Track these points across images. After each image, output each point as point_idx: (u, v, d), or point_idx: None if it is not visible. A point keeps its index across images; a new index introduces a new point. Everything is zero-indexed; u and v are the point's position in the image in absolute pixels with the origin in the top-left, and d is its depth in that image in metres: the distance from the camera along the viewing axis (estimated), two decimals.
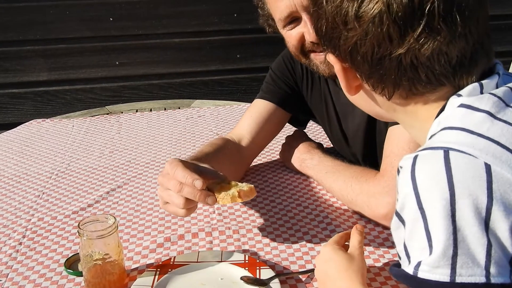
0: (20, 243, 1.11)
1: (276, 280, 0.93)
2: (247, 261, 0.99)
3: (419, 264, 0.56)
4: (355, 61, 0.67)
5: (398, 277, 0.60)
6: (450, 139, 0.58)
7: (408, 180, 0.58)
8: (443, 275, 0.55)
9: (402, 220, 0.60)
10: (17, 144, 1.70)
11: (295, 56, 1.22)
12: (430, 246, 0.55)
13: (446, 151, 0.57)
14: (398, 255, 0.62)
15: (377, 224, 1.12)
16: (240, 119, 1.43)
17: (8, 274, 1.01)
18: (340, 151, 1.45)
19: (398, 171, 0.62)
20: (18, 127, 1.86)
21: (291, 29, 1.15)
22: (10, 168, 1.51)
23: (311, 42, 1.13)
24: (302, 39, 1.15)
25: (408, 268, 0.58)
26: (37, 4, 2.69)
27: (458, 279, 0.54)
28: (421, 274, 0.56)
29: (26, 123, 1.90)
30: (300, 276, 0.97)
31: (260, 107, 1.39)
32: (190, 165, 0.99)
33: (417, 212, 0.56)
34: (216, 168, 1.05)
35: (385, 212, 1.08)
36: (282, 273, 0.97)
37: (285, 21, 1.14)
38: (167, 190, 0.98)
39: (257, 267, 0.96)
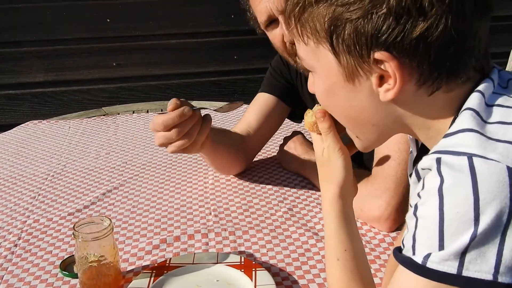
0: (16, 245, 1.11)
1: (272, 281, 0.93)
2: (243, 263, 0.99)
3: (429, 255, 0.57)
4: (419, 52, 0.59)
5: (404, 264, 0.60)
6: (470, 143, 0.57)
7: (435, 179, 0.57)
8: (450, 267, 0.55)
9: (416, 214, 0.60)
10: (13, 146, 1.69)
11: (283, 56, 1.28)
12: (441, 246, 0.56)
13: (470, 157, 0.56)
14: (403, 242, 0.61)
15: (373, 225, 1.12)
16: (244, 113, 1.46)
17: (3, 276, 1.00)
18: None
19: (420, 173, 0.61)
20: (14, 129, 1.86)
21: (273, 30, 1.20)
22: (6, 169, 1.51)
23: (290, 43, 1.17)
24: (283, 39, 1.19)
25: (417, 258, 0.58)
26: (34, 5, 2.69)
27: (465, 273, 0.55)
28: (430, 265, 0.57)
29: (23, 125, 1.89)
30: (296, 277, 0.97)
31: (262, 100, 1.44)
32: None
33: (436, 212, 0.56)
34: (224, 152, 1.29)
35: (378, 214, 1.09)
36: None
37: (265, 24, 1.20)
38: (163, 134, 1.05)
39: (253, 269, 0.96)
